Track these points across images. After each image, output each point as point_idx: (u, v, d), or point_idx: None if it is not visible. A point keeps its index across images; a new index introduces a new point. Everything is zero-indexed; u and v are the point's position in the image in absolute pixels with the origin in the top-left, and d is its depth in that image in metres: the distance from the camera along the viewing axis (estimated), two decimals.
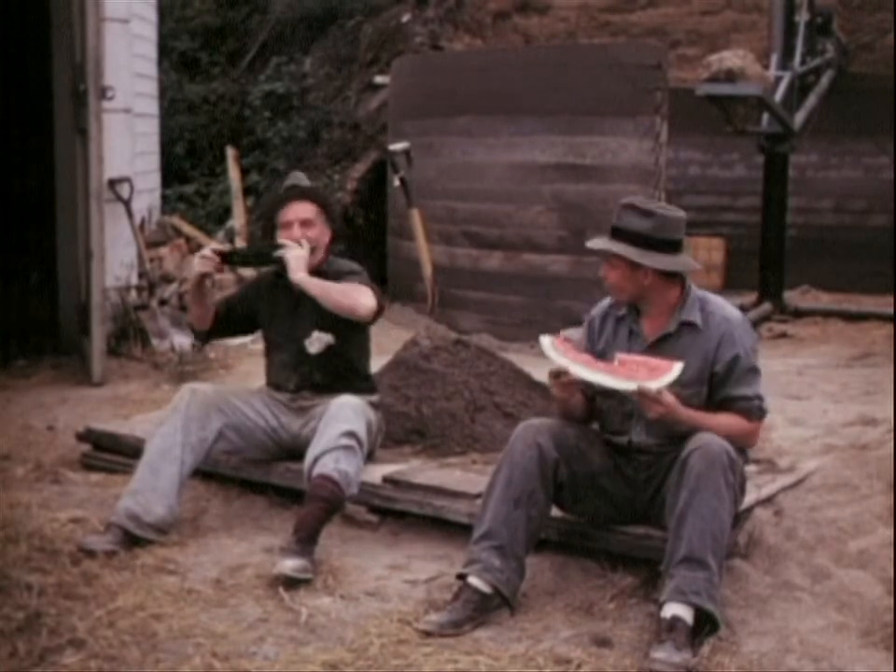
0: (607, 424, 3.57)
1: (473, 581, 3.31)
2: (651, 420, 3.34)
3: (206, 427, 3.98)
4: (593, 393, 3.54)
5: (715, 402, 3.40)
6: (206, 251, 4.19)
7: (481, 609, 3.29)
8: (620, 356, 3.41)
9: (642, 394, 3.25)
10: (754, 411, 3.41)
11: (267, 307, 4.24)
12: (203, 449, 3.98)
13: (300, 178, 4.31)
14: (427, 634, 3.20)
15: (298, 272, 4.01)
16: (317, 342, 4.13)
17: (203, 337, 4.43)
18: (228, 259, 4.22)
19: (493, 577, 3.30)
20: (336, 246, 4.40)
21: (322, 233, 4.16)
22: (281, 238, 4.13)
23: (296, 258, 4.02)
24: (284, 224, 4.14)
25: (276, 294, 4.21)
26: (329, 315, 4.07)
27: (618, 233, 3.43)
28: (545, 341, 3.39)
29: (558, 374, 3.37)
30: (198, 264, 4.15)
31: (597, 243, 3.47)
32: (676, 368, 3.27)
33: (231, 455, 4.22)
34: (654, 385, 3.24)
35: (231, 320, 4.30)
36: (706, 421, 3.34)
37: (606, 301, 3.63)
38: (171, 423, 3.95)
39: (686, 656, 3.01)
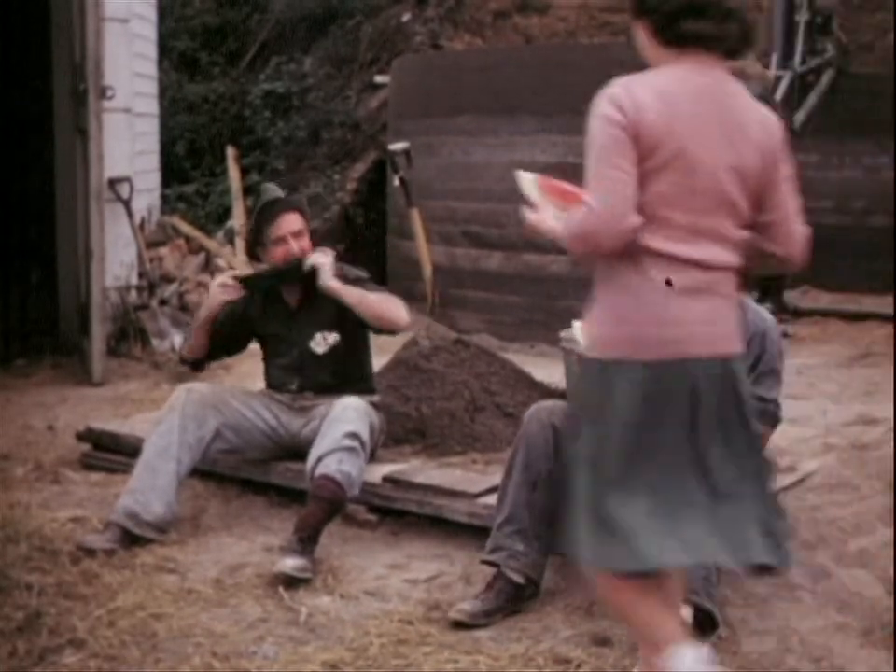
0: None
1: (507, 572, 3.35)
2: None
3: (203, 426, 3.98)
4: None
5: None
6: (226, 279, 4.19)
7: (514, 599, 3.35)
8: None
9: None
10: (767, 413, 3.41)
11: (263, 318, 4.23)
12: (200, 448, 3.98)
13: (274, 190, 4.27)
14: (459, 623, 3.23)
15: (331, 279, 4.01)
16: (323, 342, 4.13)
17: (200, 365, 4.43)
18: (249, 284, 4.17)
19: (520, 563, 3.35)
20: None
21: (309, 241, 4.18)
22: (277, 254, 4.12)
23: (329, 264, 4.03)
24: (277, 240, 4.11)
25: (271, 304, 4.21)
26: (330, 315, 4.07)
27: None
28: (577, 325, 3.29)
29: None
30: (220, 293, 4.13)
31: None
32: None
33: (230, 454, 4.21)
34: None
35: (227, 340, 4.29)
36: None
37: None
38: (168, 422, 3.96)
39: None
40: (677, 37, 2.54)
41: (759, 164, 2.58)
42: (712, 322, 2.53)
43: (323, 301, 4.12)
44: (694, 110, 2.50)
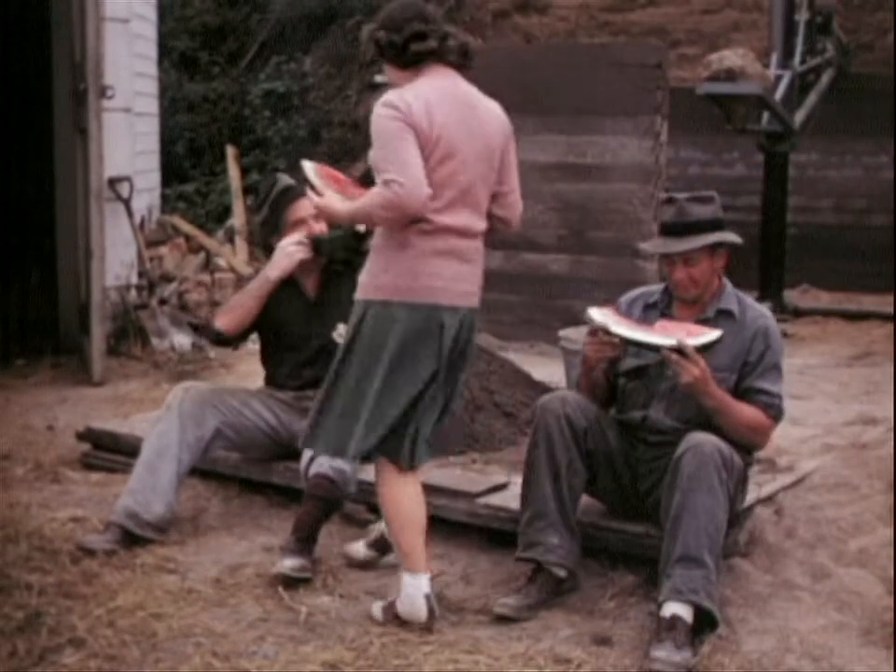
0: (627, 403, 3.58)
1: (549, 567, 3.39)
2: (684, 385, 3.30)
3: (203, 425, 3.97)
4: (616, 377, 3.58)
5: (739, 392, 3.41)
6: (299, 237, 4.08)
7: (555, 592, 3.40)
8: (661, 322, 3.45)
9: (680, 351, 3.25)
10: (774, 407, 3.42)
11: (278, 309, 4.17)
12: (199, 448, 3.97)
13: (287, 179, 4.25)
14: (504, 617, 3.27)
15: None
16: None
17: (237, 342, 4.24)
18: (321, 245, 4.09)
19: (557, 556, 3.38)
20: None
21: (325, 227, 4.15)
22: (294, 236, 4.09)
23: None
24: (296, 221, 4.11)
25: (288, 296, 4.16)
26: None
27: (692, 228, 3.41)
28: (593, 310, 3.43)
29: (595, 332, 3.40)
30: (297, 251, 4.04)
31: (689, 242, 3.40)
32: (715, 332, 3.32)
33: (230, 453, 4.21)
34: (693, 341, 3.27)
35: (253, 323, 4.19)
36: (731, 404, 3.34)
37: (635, 292, 3.68)
38: (167, 422, 3.95)
39: (686, 655, 3.01)
40: (411, 58, 3.25)
41: (500, 145, 3.30)
42: (457, 280, 3.22)
43: (345, 294, 4.10)
44: (445, 107, 3.18)
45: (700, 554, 3.13)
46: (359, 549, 3.73)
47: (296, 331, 4.16)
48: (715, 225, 3.45)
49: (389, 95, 3.18)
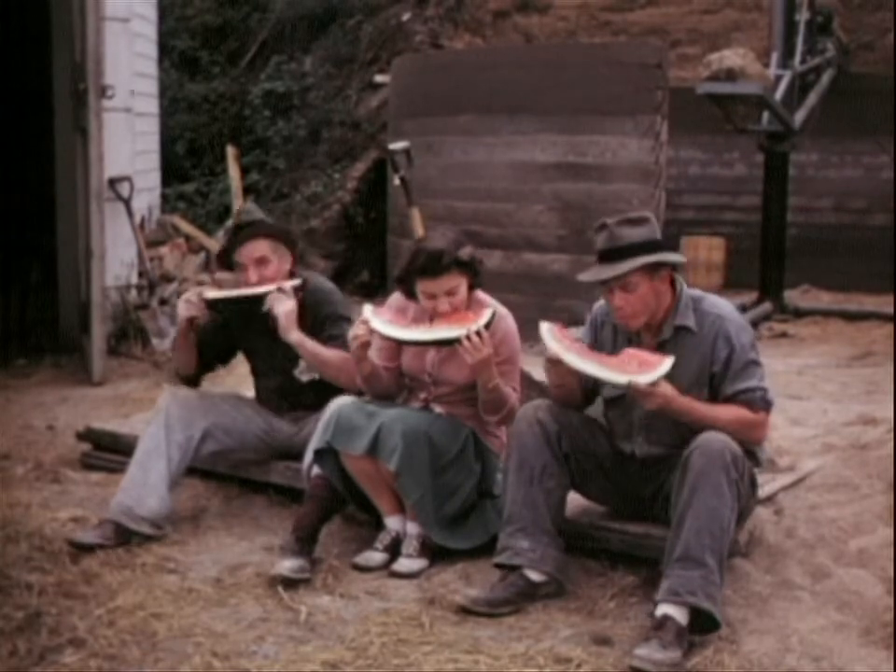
0: (613, 432, 3.58)
1: (523, 570, 3.37)
2: (651, 410, 3.30)
3: (191, 425, 3.99)
4: (593, 387, 3.56)
5: (718, 401, 3.37)
6: (191, 295, 4.10)
7: (528, 595, 3.37)
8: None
9: (635, 388, 3.24)
10: (757, 400, 3.35)
11: (244, 336, 4.19)
12: (190, 446, 3.98)
13: (251, 212, 4.18)
14: (462, 608, 3.28)
15: (290, 331, 3.92)
16: (307, 371, 4.05)
17: (194, 381, 4.28)
18: (213, 306, 4.09)
19: (526, 559, 3.36)
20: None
21: (280, 266, 4.04)
22: (241, 277, 4.06)
23: (285, 314, 3.91)
24: (238, 264, 4.06)
25: (252, 323, 4.10)
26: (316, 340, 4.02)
27: (624, 252, 3.32)
28: (544, 326, 3.40)
29: (554, 361, 3.38)
30: (183, 309, 4.06)
31: (621, 267, 3.29)
32: (666, 363, 3.26)
33: (223, 455, 4.18)
34: (644, 379, 3.23)
35: (213, 353, 4.23)
36: (707, 412, 3.30)
37: (606, 307, 3.55)
38: (155, 423, 3.99)
39: (672, 655, 2.98)
40: None
41: None
42: None
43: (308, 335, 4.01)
44: None
45: (700, 555, 3.10)
46: (372, 556, 3.71)
47: (262, 358, 4.19)
48: (650, 246, 3.34)
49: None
